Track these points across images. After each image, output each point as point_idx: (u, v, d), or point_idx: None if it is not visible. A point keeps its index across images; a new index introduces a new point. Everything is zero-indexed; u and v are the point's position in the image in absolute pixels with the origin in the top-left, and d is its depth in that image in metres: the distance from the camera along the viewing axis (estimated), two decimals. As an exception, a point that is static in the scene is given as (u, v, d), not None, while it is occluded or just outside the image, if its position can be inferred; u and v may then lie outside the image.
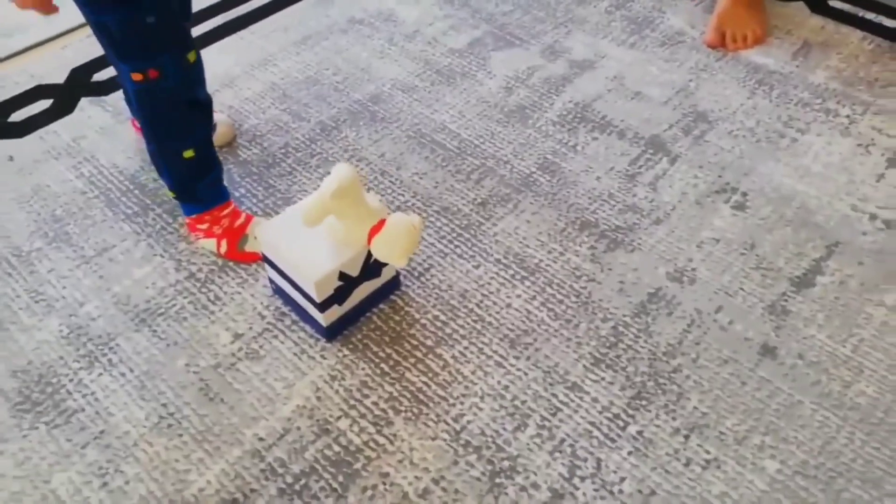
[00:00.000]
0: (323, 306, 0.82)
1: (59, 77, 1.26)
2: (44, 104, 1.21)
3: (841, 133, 1.11)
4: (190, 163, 0.89)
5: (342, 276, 0.81)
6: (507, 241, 0.98)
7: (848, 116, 1.13)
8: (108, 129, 1.16)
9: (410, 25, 1.34)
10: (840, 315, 0.88)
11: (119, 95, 1.19)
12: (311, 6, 1.41)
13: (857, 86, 1.18)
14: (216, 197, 0.94)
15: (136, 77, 0.80)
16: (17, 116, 1.18)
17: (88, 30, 1.33)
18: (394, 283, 0.91)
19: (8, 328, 0.89)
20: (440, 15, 1.36)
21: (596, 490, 0.74)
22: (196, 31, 1.35)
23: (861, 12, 1.32)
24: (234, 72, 1.26)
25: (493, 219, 1.01)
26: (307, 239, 0.81)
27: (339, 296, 0.83)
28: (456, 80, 1.23)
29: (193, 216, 0.94)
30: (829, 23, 1.31)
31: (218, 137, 1.07)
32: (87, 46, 1.30)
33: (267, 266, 0.89)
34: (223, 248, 0.94)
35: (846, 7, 1.33)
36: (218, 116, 1.09)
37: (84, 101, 1.21)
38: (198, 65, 0.86)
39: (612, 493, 0.73)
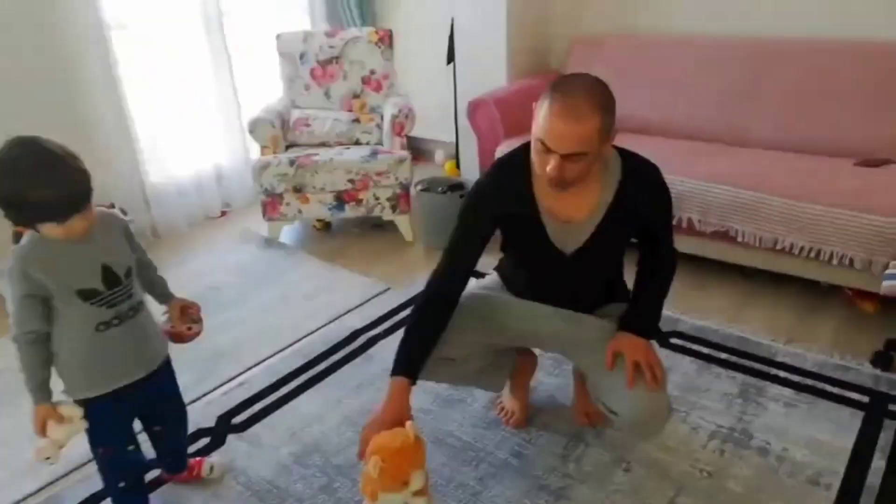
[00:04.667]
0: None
1: (210, 422, 2.03)
2: (204, 440, 1.96)
3: (681, 421, 1.92)
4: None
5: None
6: (497, 500, 1.69)
7: (686, 412, 1.96)
8: (250, 453, 1.90)
9: (423, 373, 2.20)
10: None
11: (252, 430, 1.96)
12: (358, 364, 2.27)
13: (688, 392, 2.04)
14: None
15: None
16: (190, 448, 1.92)
17: (226, 388, 2.16)
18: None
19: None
20: (440, 365, 2.23)
21: None
22: (290, 385, 2.18)
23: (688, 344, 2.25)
24: (319, 411, 2.06)
25: (489, 486, 1.73)
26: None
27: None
28: (454, 403, 2.04)
29: None
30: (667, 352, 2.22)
31: (216, 472, 1.80)
32: (225, 400, 2.11)
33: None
34: None
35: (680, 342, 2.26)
36: (216, 459, 1.83)
37: (231, 437, 1.97)
38: None
39: None
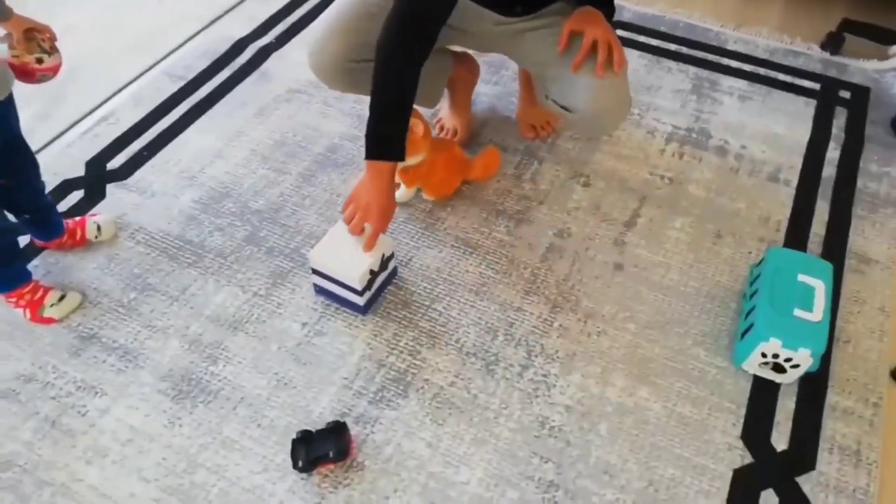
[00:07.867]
0: (361, 292, 1.30)
1: (79, 171, 1.61)
2: (78, 195, 1.56)
3: (635, 125, 1.75)
4: None
5: (370, 272, 1.31)
6: (454, 231, 1.51)
7: (640, 114, 1.78)
8: (141, 204, 1.54)
9: (338, 89, 1.82)
10: (653, 239, 1.51)
11: (137, 177, 1.58)
12: (253, 84, 1.84)
13: (640, 91, 1.83)
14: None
15: None
16: (62, 207, 1.53)
17: (86, 125, 1.70)
18: (394, 272, 1.41)
19: (143, 352, 1.29)
20: (356, 78, 1.85)
21: (545, 360, 1.30)
22: (171, 116, 1.74)
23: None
24: (217, 146, 1.68)
25: (441, 219, 1.53)
26: (343, 254, 1.29)
27: (368, 285, 1.32)
28: (383, 126, 1.73)
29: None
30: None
31: (105, 233, 1.46)
32: (90, 141, 1.66)
33: (312, 275, 1.35)
34: (28, 315, 1.32)
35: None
36: (101, 217, 1.47)
37: (110, 187, 1.58)
38: None
39: (554, 358, 1.30)
